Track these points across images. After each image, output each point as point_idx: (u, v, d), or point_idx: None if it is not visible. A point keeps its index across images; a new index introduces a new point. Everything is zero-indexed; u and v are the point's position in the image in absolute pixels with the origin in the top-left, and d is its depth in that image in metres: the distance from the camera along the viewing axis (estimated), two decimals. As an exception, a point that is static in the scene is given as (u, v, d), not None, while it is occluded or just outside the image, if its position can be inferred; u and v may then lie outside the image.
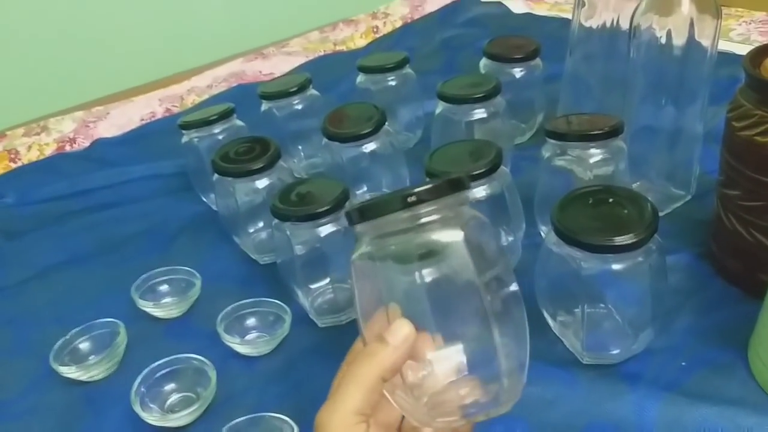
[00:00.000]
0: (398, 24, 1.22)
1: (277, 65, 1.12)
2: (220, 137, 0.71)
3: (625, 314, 0.48)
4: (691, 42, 0.56)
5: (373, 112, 0.65)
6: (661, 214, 0.62)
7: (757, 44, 0.94)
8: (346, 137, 0.63)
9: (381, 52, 1.08)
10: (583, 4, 0.67)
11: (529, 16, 1.13)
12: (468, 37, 1.08)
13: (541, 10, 1.15)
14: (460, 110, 0.67)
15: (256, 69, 1.13)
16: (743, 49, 0.89)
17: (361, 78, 0.80)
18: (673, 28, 0.56)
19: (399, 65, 0.79)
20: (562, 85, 0.75)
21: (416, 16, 1.24)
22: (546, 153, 0.57)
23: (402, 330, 0.31)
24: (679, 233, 0.59)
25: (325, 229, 0.51)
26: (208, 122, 0.70)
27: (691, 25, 0.56)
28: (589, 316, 0.46)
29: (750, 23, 0.99)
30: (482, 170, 0.52)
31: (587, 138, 0.54)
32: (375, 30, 1.22)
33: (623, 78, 0.62)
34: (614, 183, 0.57)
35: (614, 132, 0.55)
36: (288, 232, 0.51)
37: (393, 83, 0.80)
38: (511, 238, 0.57)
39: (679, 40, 0.57)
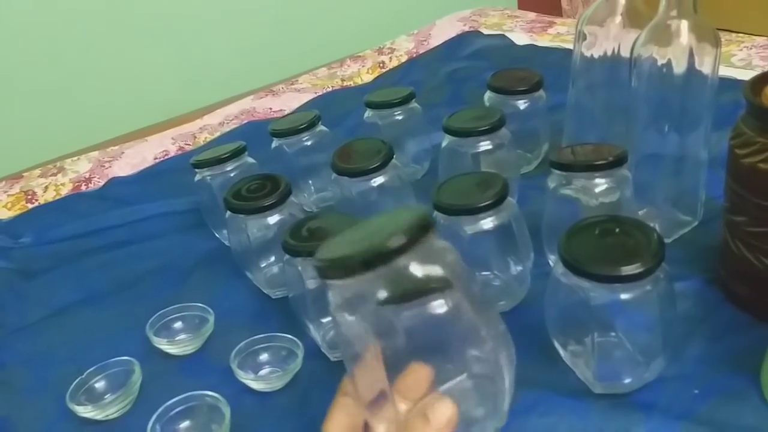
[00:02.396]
0: (404, 59, 1.25)
1: (287, 102, 1.14)
2: (232, 174, 0.72)
3: (635, 343, 0.48)
4: (692, 70, 0.57)
5: (380, 146, 0.67)
6: (668, 240, 0.63)
7: (758, 69, 0.95)
8: (355, 172, 0.64)
9: (387, 86, 1.10)
10: (584, 37, 0.68)
11: (531, 48, 1.15)
12: (472, 69, 1.10)
13: (543, 42, 1.17)
14: (466, 143, 0.68)
15: (267, 106, 1.15)
16: (745, 74, 0.91)
17: (368, 113, 0.82)
18: (673, 58, 0.57)
19: (405, 100, 0.81)
20: (566, 115, 0.76)
21: (421, 51, 1.27)
22: (552, 183, 0.58)
23: (446, 412, 0.31)
24: (688, 259, 0.59)
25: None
26: (220, 160, 0.72)
27: (691, 54, 0.57)
28: (600, 345, 0.46)
29: (751, 48, 1.00)
30: (489, 202, 0.53)
31: (592, 168, 0.55)
32: (381, 65, 1.24)
33: (626, 106, 0.63)
34: (620, 211, 0.57)
35: (619, 161, 0.56)
36: (299, 267, 0.52)
37: (400, 117, 0.81)
38: (520, 268, 0.58)
39: (679, 69, 0.58)
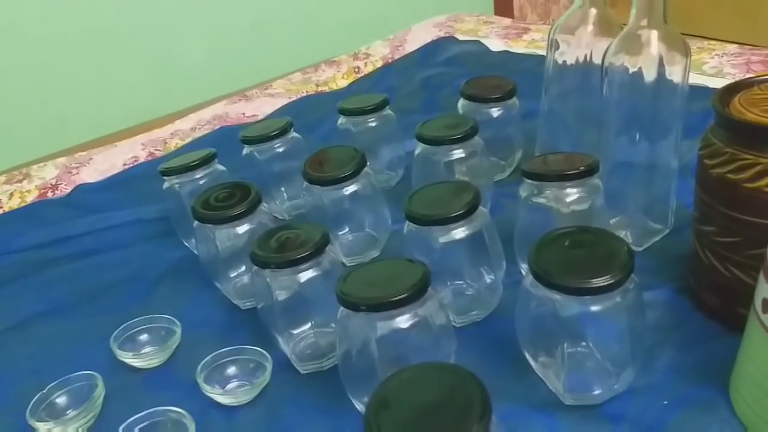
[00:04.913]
0: (379, 64, 1.24)
1: (260, 107, 1.13)
2: (202, 182, 0.71)
3: (605, 353, 0.48)
4: (662, 79, 0.58)
5: (353, 154, 0.66)
6: (639, 248, 0.64)
7: (729, 77, 0.96)
8: (327, 181, 0.63)
9: (362, 92, 1.10)
10: (557, 45, 0.68)
11: (506, 54, 1.15)
12: (447, 76, 1.10)
13: (518, 48, 1.18)
14: (439, 151, 0.68)
15: (240, 111, 1.13)
16: (716, 82, 0.92)
17: (341, 120, 0.81)
18: (643, 66, 0.57)
19: (379, 107, 0.80)
20: (539, 123, 0.76)
21: (397, 56, 1.26)
22: (523, 193, 0.58)
23: None
24: (658, 268, 0.59)
25: (306, 275, 0.51)
26: (189, 168, 0.71)
27: (661, 63, 0.57)
28: (570, 356, 0.46)
29: (722, 56, 1.01)
30: (461, 212, 0.52)
31: (563, 178, 0.55)
32: (356, 70, 1.23)
33: (598, 114, 0.63)
34: (592, 219, 0.57)
35: (590, 171, 0.56)
36: (268, 279, 0.51)
37: (373, 124, 0.81)
38: (492, 277, 0.57)
39: (649, 78, 0.58)
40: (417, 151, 0.70)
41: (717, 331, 0.51)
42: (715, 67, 0.97)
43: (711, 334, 0.51)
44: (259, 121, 0.93)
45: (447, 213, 0.52)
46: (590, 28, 0.64)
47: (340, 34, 1.67)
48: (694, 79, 0.93)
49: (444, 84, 1.07)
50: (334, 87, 1.18)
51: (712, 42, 1.07)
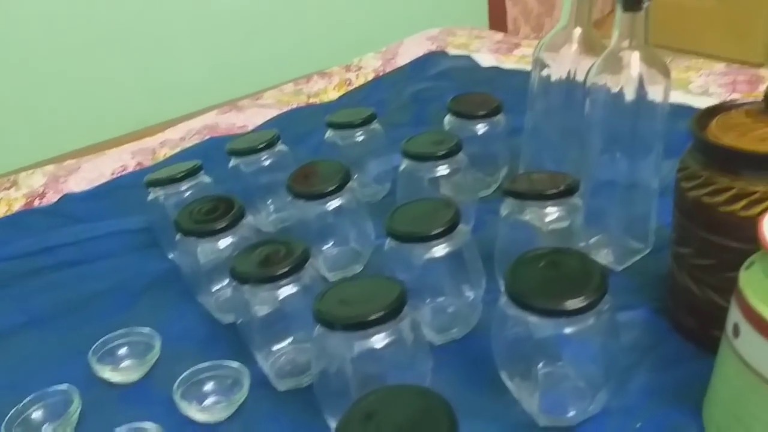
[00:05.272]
0: (371, 77, 1.25)
1: (251, 118, 1.13)
2: (187, 194, 0.71)
3: (580, 375, 0.48)
4: (643, 99, 0.58)
5: (338, 169, 0.66)
6: (620, 268, 0.64)
7: (715, 96, 0.97)
8: (311, 195, 0.64)
9: (352, 106, 1.10)
10: (542, 64, 0.69)
11: (495, 70, 1.16)
12: (437, 90, 1.10)
13: (508, 63, 1.18)
14: (424, 167, 0.68)
15: (230, 121, 1.14)
16: (701, 102, 0.93)
17: (329, 133, 0.82)
18: (625, 86, 0.58)
19: (366, 121, 0.80)
20: (523, 139, 0.76)
21: (388, 69, 1.27)
22: (504, 210, 0.58)
23: None
24: (638, 288, 0.60)
25: (285, 291, 0.51)
26: (174, 180, 0.71)
27: (642, 84, 0.58)
28: (545, 376, 0.46)
29: (709, 75, 1.02)
30: (441, 229, 0.53)
31: (544, 197, 0.56)
32: (348, 83, 1.24)
33: (581, 131, 0.64)
34: (571, 238, 0.58)
35: (569, 191, 0.56)
36: (247, 295, 0.51)
37: (360, 138, 0.81)
38: (472, 295, 0.58)
39: (631, 98, 0.58)
40: (402, 167, 0.70)
41: (693, 353, 0.51)
42: (701, 86, 0.98)
43: (687, 356, 0.51)
44: (247, 133, 0.93)
45: (428, 231, 0.53)
46: (574, 47, 0.65)
47: (335, 46, 1.67)
48: (680, 98, 0.94)
49: (433, 98, 1.08)
50: (326, 99, 1.19)
51: (700, 61, 1.08)
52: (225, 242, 0.60)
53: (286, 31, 1.76)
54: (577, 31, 0.65)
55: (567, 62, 0.68)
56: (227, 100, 1.28)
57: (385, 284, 0.45)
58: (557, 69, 0.69)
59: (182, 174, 0.71)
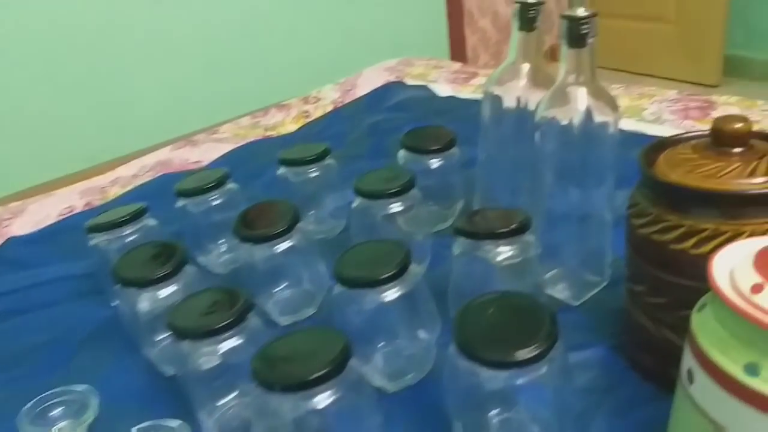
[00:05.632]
0: (329, 108, 1.24)
1: (206, 153, 1.11)
2: (130, 239, 0.68)
3: (536, 422, 0.46)
4: (592, 133, 0.58)
5: (287, 209, 0.64)
6: (577, 302, 0.63)
7: (667, 123, 0.98)
8: (258, 238, 0.61)
9: (309, 138, 1.09)
10: (492, 99, 0.68)
11: (453, 100, 1.15)
12: (394, 121, 1.10)
13: (465, 93, 1.18)
14: (377, 204, 0.66)
15: (184, 157, 1.11)
16: (655, 130, 0.93)
17: (282, 170, 0.80)
18: (573, 121, 0.57)
19: (319, 157, 0.79)
20: (476, 171, 0.75)
21: (347, 100, 1.26)
22: (457, 250, 0.57)
23: None
24: (595, 325, 0.58)
25: (227, 344, 0.48)
26: (116, 225, 0.68)
27: (591, 118, 0.57)
28: (499, 425, 0.44)
29: (662, 102, 1.03)
30: (391, 273, 0.51)
31: (496, 236, 0.54)
32: (306, 115, 1.22)
33: (533, 163, 0.63)
34: (525, 275, 0.57)
35: (522, 228, 0.55)
36: (186, 349, 0.49)
37: (314, 174, 0.79)
38: (425, 338, 0.56)
39: (580, 132, 0.58)
40: (354, 204, 0.68)
41: (652, 394, 0.50)
42: (654, 113, 0.99)
43: (645, 397, 0.50)
44: (198, 171, 0.90)
45: (377, 275, 0.51)
46: (523, 81, 0.65)
47: (294, 77, 1.66)
48: (633, 126, 0.95)
49: (391, 130, 1.07)
50: (283, 131, 1.17)
51: (653, 88, 1.09)
52: (166, 291, 0.57)
53: (245, 63, 1.74)
54: (525, 66, 0.64)
55: (517, 96, 0.67)
56: (183, 135, 1.25)
57: (329, 337, 0.43)
58: (507, 102, 0.68)
59: (125, 218, 0.68)
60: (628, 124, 0.92)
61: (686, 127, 0.92)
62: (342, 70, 1.46)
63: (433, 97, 1.18)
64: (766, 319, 0.33)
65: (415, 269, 0.54)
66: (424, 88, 1.22)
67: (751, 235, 0.42)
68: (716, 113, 0.95)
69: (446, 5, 2.40)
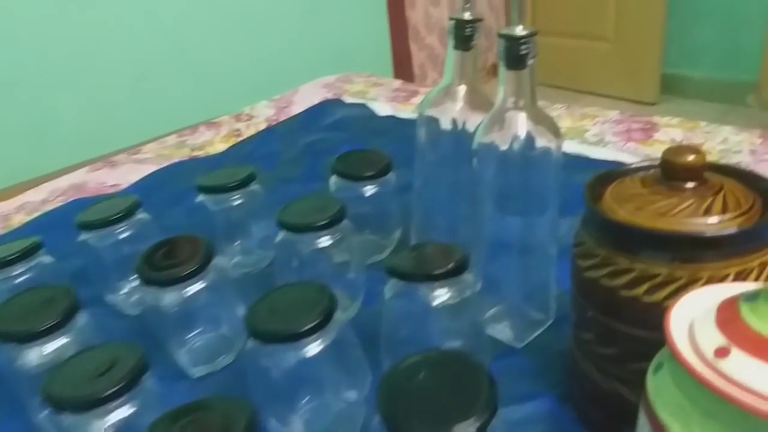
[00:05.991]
0: (262, 126, 1.17)
1: (125, 175, 1.02)
2: (20, 279, 0.60)
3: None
4: (534, 159, 0.53)
5: (199, 245, 0.57)
6: (521, 344, 0.58)
7: (611, 145, 0.96)
8: (164, 281, 0.54)
9: (239, 158, 1.02)
10: (427, 122, 0.63)
11: (392, 119, 1.10)
12: (331, 141, 1.04)
13: (405, 112, 1.14)
14: (303, 239, 0.60)
15: (101, 180, 1.02)
16: (598, 152, 0.90)
17: (201, 197, 0.72)
18: (513, 146, 0.53)
19: (243, 183, 0.72)
20: (412, 198, 0.70)
21: (282, 118, 1.19)
22: (389, 292, 0.51)
23: None
24: (540, 370, 0.54)
25: (115, 416, 0.41)
26: (4, 264, 0.59)
27: (532, 143, 0.53)
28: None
29: (604, 123, 1.01)
30: (312, 325, 0.45)
31: (432, 278, 0.49)
32: (237, 133, 1.15)
33: (471, 194, 0.58)
34: (463, 315, 0.52)
35: (460, 268, 0.49)
36: (68, 422, 0.41)
37: (237, 202, 0.72)
38: (354, 394, 0.49)
39: (520, 159, 0.53)
40: (278, 238, 0.62)
41: (602, 453, 0.45)
42: (597, 134, 0.97)
43: (596, 457, 0.45)
44: (108, 197, 0.82)
45: (296, 327, 0.44)
46: (460, 105, 0.60)
47: (227, 93, 1.58)
48: (576, 148, 0.91)
49: (327, 150, 1.00)
50: (211, 151, 1.09)
51: (594, 108, 1.07)
52: (52, 346, 0.49)
53: (175, 78, 1.65)
54: (462, 89, 0.59)
55: (453, 119, 0.63)
56: (103, 155, 1.16)
57: (232, 408, 0.36)
58: (443, 125, 0.63)
59: (15, 255, 0.60)
60: (570, 147, 0.89)
61: (629, 150, 0.90)
62: (280, 85, 1.39)
63: (372, 116, 1.13)
64: (734, 391, 0.28)
65: (341, 316, 0.48)
66: (362, 106, 1.17)
67: (708, 281, 0.38)
68: (659, 135, 0.93)
69: (389, 21, 2.36)
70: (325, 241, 0.60)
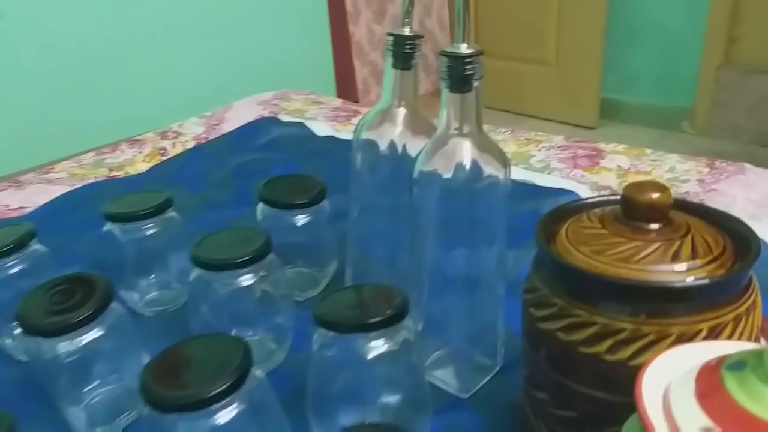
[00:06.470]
0: (190, 145, 1.08)
1: (33, 197, 0.92)
2: None
3: None
4: (480, 189, 0.48)
5: (95, 285, 0.49)
6: (467, 395, 0.52)
7: (557, 172, 0.92)
8: (50, 331, 0.45)
9: (162, 180, 0.93)
10: (364, 147, 0.57)
11: (331, 140, 1.04)
12: (264, 162, 0.97)
13: (345, 132, 1.08)
14: (220, 278, 0.53)
15: (4, 202, 0.91)
16: (544, 179, 0.87)
17: (108, 226, 0.64)
18: (458, 176, 0.47)
19: (157, 210, 0.64)
20: (348, 228, 0.64)
21: (212, 136, 1.11)
22: (317, 343, 0.44)
23: None
24: (488, 426, 0.48)
25: None
26: None
27: (478, 173, 0.47)
28: None
29: (549, 149, 0.98)
30: (223, 387, 0.37)
31: (366, 328, 0.42)
32: (162, 152, 1.06)
33: (411, 222, 0.52)
34: (404, 365, 0.46)
35: (399, 315, 0.43)
36: None
37: (151, 231, 0.64)
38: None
39: (465, 188, 0.48)
40: (193, 276, 0.54)
41: None
42: (542, 161, 0.93)
43: None
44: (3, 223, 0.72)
45: (203, 392, 0.37)
46: (399, 129, 0.54)
47: (155, 108, 1.48)
48: (522, 174, 0.88)
49: (260, 172, 0.93)
50: (132, 171, 1.00)
51: (539, 133, 1.04)
52: None
53: (99, 92, 1.53)
54: (401, 111, 0.54)
55: (391, 143, 0.57)
56: (10, 174, 1.05)
57: None
58: (381, 150, 0.58)
59: None
60: (516, 173, 0.85)
61: (576, 178, 0.86)
62: (214, 101, 1.31)
63: (309, 136, 1.07)
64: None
65: (259, 375, 0.41)
66: (300, 125, 1.10)
67: (679, 338, 0.33)
68: (605, 162, 0.90)
69: (331, 37, 2.31)
70: (246, 279, 0.53)
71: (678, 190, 0.79)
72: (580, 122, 2.56)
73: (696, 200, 0.76)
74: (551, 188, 0.81)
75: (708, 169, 0.83)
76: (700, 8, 2.23)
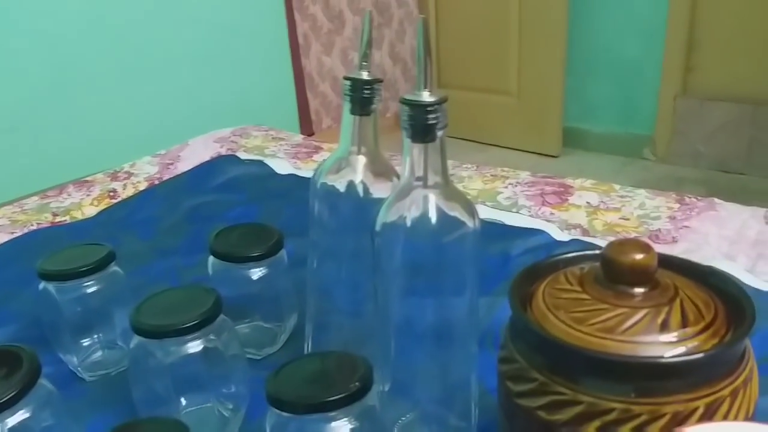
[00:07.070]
0: (142, 186, 1.03)
1: (-36, 246, 0.85)
2: None
3: None
4: (448, 242, 0.44)
5: (19, 359, 0.43)
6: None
7: (525, 210, 0.89)
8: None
9: (111, 224, 0.88)
10: (321, 194, 0.53)
11: (293, 178, 1.00)
12: (221, 205, 0.92)
13: (307, 170, 1.03)
14: (165, 345, 0.48)
15: (-67, 253, 0.84)
16: (513, 218, 0.84)
17: (44, 284, 0.58)
18: (423, 226, 0.44)
19: (98, 266, 0.58)
20: (308, 277, 0.59)
21: (166, 177, 1.06)
22: (269, 423, 0.40)
23: None
24: None
25: None
26: None
27: (446, 226, 0.44)
28: None
29: (516, 186, 0.95)
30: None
31: (324, 407, 0.38)
32: (112, 194, 1.00)
33: (376, 276, 0.48)
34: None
35: (361, 391, 0.39)
36: None
37: (92, 290, 0.59)
38: None
39: (432, 239, 0.44)
40: (133, 343, 0.49)
41: None
42: (509, 198, 0.90)
43: None
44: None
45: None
46: (360, 177, 0.50)
47: (107, 147, 1.41)
48: (489, 212, 0.85)
49: (216, 215, 0.89)
50: (78, 216, 0.94)
51: (505, 169, 1.01)
52: None
53: (45, 130, 1.45)
54: (361, 159, 0.50)
55: (351, 186, 0.53)
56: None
57: None
58: (341, 194, 0.54)
59: None
60: (483, 211, 0.82)
61: (545, 216, 0.84)
62: (168, 140, 1.25)
63: (270, 174, 1.02)
64: None
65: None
66: (260, 163, 1.06)
67: (675, 418, 0.30)
68: (573, 198, 0.88)
69: (293, 69, 2.29)
70: (193, 346, 0.48)
71: (649, 228, 0.77)
72: (543, 151, 2.57)
73: (668, 238, 0.74)
74: (521, 228, 0.78)
75: (678, 205, 0.81)
76: (658, 38, 2.27)
